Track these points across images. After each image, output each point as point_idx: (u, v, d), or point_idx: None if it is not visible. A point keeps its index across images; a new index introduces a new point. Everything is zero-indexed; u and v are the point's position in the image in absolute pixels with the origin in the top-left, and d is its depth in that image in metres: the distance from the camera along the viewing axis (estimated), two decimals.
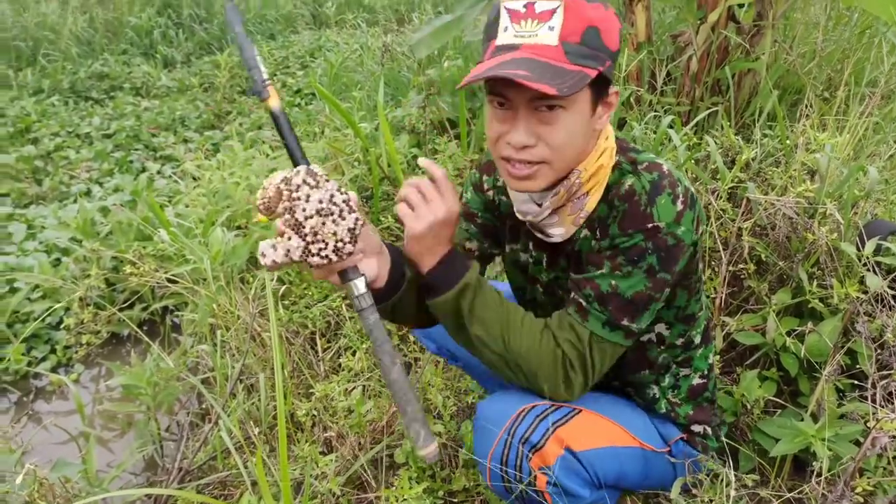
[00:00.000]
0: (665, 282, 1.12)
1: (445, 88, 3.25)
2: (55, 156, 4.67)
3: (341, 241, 1.00)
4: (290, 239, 0.99)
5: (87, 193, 4.08)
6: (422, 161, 1.12)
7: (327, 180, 1.00)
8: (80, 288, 2.73)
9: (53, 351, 2.82)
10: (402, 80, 4.13)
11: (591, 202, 1.15)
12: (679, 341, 1.28)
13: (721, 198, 1.92)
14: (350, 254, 1.02)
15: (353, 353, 2.13)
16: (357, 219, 1.01)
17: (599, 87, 1.06)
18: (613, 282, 1.11)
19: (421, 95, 3.22)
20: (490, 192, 1.38)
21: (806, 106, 2.40)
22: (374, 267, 1.10)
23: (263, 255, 0.99)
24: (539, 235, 1.24)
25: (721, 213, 1.92)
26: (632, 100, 2.73)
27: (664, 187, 1.08)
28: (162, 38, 7.53)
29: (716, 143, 2.22)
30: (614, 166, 1.15)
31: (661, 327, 1.26)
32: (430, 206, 1.09)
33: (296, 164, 1.03)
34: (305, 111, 5.14)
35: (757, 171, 2.13)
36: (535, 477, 1.15)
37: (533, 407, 1.18)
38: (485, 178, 1.39)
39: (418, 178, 1.11)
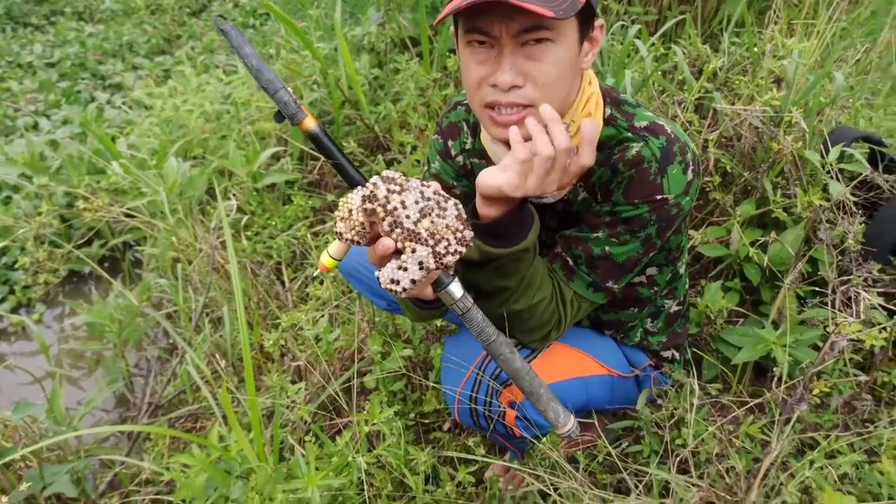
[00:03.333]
0: (655, 247, 1.09)
1: (406, 4, 3.09)
2: None
3: (458, 230, 0.93)
4: (413, 251, 0.91)
5: (35, 127, 3.89)
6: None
7: (406, 179, 0.92)
8: (33, 226, 2.64)
9: (12, 292, 2.75)
10: None
11: None
12: (668, 277, 1.26)
13: (687, 109, 1.88)
14: (471, 238, 0.94)
15: (321, 283, 2.10)
16: (455, 203, 0.94)
17: (587, 19, 0.97)
18: (608, 248, 1.06)
19: (380, 12, 3.07)
20: (459, 158, 1.27)
21: (774, 11, 2.33)
22: None
23: (396, 282, 0.91)
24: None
25: (688, 124, 1.89)
26: (598, 10, 2.64)
27: (675, 154, 1.02)
28: None
29: (683, 52, 2.16)
30: (607, 120, 1.07)
31: (652, 270, 1.23)
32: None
33: (353, 186, 0.94)
34: (260, 32, 4.91)
35: (724, 81, 2.08)
36: (504, 412, 1.16)
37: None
38: (450, 142, 1.27)
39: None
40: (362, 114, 2.66)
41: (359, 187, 0.92)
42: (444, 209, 0.93)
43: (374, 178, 0.92)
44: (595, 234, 1.07)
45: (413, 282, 0.91)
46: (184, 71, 3.57)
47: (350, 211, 0.91)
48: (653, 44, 2.14)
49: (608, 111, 1.08)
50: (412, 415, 1.59)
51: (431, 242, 0.91)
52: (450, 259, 0.92)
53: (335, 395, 1.56)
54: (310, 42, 2.61)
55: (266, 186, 2.60)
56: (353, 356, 1.68)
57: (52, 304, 2.76)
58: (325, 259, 0.99)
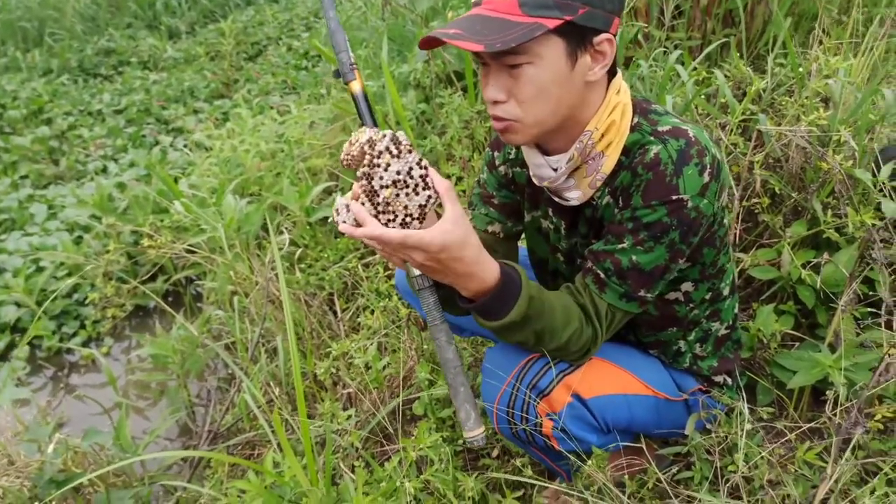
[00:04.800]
0: (682, 253, 1.10)
1: None
2: (69, 135, 4.71)
3: (410, 215, 1.00)
4: (363, 204, 0.99)
5: (104, 170, 4.14)
6: None
7: (410, 151, 0.99)
8: (102, 263, 2.79)
9: (83, 326, 2.90)
10: (406, 35, 4.06)
11: (608, 163, 1.11)
12: (708, 296, 1.25)
13: (732, 132, 1.88)
14: (418, 228, 1.01)
15: (371, 312, 2.15)
16: (430, 196, 1.01)
17: (578, 36, 1.01)
18: (635, 257, 1.08)
19: (429, 49, 3.16)
20: (502, 168, 1.34)
21: (820, 31, 2.31)
22: None
23: (337, 212, 1.00)
24: (557, 200, 1.21)
25: (732, 147, 1.88)
26: (640, 37, 2.66)
27: (691, 157, 1.03)
28: (165, 9, 7.49)
29: (726, 76, 2.16)
30: (633, 127, 1.11)
31: (687, 286, 1.22)
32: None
33: None
34: (312, 73, 5.11)
35: (769, 103, 2.07)
36: (542, 422, 1.17)
37: (542, 355, 1.18)
38: (495, 154, 1.35)
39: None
40: None
41: (375, 129, 1.00)
42: (416, 194, 0.99)
43: (388, 132, 0.98)
44: (621, 245, 1.09)
45: (345, 227, 0.98)
46: (240, 113, 3.74)
47: (356, 141, 0.99)
48: (695, 68, 2.15)
49: (635, 119, 1.12)
50: (460, 441, 1.60)
51: (381, 208, 0.99)
52: None
53: (384, 421, 1.59)
54: None
55: (318, 220, 2.69)
56: (401, 383, 1.71)
57: (119, 338, 2.90)
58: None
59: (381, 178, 0.98)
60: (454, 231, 0.97)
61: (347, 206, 0.99)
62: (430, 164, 2.81)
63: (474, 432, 1.08)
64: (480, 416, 1.09)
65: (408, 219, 1.00)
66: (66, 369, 2.76)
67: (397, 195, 0.99)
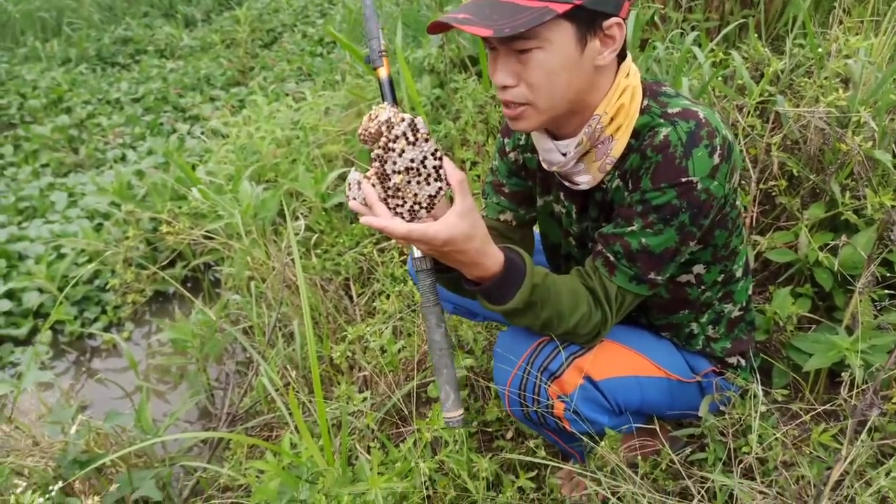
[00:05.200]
0: (692, 235, 1.09)
1: None
2: (88, 123, 4.77)
3: (418, 204, 1.00)
4: (373, 185, 0.99)
5: (122, 158, 4.18)
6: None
7: (427, 139, 0.98)
8: (121, 250, 2.83)
9: (104, 312, 2.94)
10: (421, 20, 4.04)
11: (618, 147, 1.11)
12: (720, 278, 1.25)
13: (749, 114, 1.85)
14: (421, 219, 1.02)
15: (387, 297, 2.17)
16: (440, 188, 1.01)
17: (588, 20, 1.00)
18: (644, 240, 1.08)
19: (440, 34, 3.15)
20: (512, 154, 1.34)
21: (840, 10, 2.27)
22: None
23: (349, 187, 1.00)
24: (568, 184, 1.21)
25: (749, 129, 1.86)
26: (656, 19, 2.63)
27: (701, 138, 1.03)
28: None
29: (744, 57, 2.13)
30: (643, 110, 1.10)
31: (699, 268, 1.22)
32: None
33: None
34: (328, 60, 5.11)
35: (788, 84, 2.04)
36: (553, 404, 1.18)
37: (552, 339, 1.19)
38: (506, 140, 1.35)
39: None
40: None
41: (395, 110, 0.99)
42: (427, 184, 0.99)
43: (407, 116, 0.97)
44: (630, 228, 1.09)
45: (355, 203, 0.99)
46: (256, 100, 3.76)
47: (376, 117, 0.98)
48: (712, 50, 2.12)
49: (645, 101, 1.11)
50: (475, 423, 1.62)
51: (390, 193, 0.98)
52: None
53: (399, 403, 1.61)
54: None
55: (334, 206, 2.71)
56: (416, 366, 1.73)
57: (139, 323, 2.94)
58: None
59: (395, 162, 0.98)
60: (459, 224, 0.97)
61: (360, 182, 0.99)
62: (445, 150, 2.82)
63: (452, 413, 1.09)
64: (460, 399, 1.10)
65: (416, 207, 1.00)
66: (87, 354, 2.81)
67: (408, 182, 0.99)
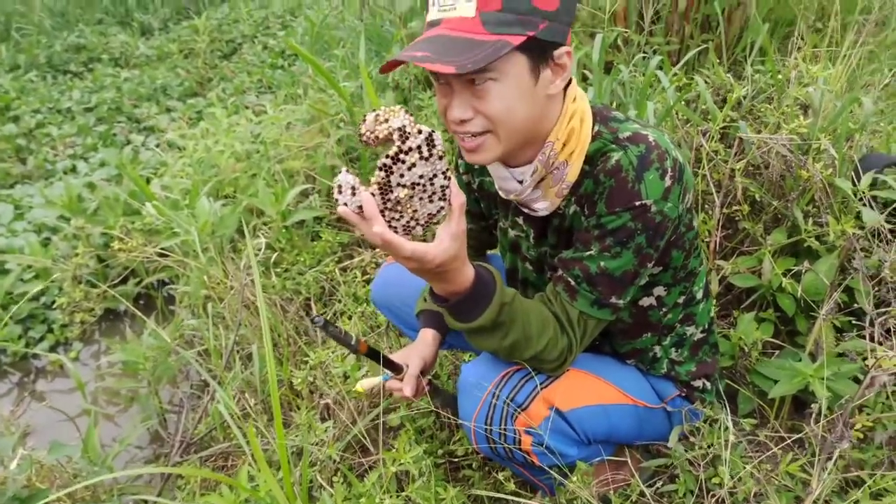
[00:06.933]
0: (650, 257, 1.10)
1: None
2: (37, 133, 4.59)
3: (415, 220, 0.96)
4: (373, 195, 0.91)
5: (73, 170, 4.03)
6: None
7: (441, 157, 0.92)
8: (70, 266, 2.71)
9: (51, 330, 2.81)
10: (384, 35, 4.02)
11: (573, 172, 1.11)
12: (681, 300, 1.26)
13: (713, 139, 1.87)
14: (415, 236, 0.98)
15: (349, 318, 2.11)
16: (442, 208, 0.96)
17: (539, 51, 1.00)
18: (602, 263, 1.08)
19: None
20: (465, 177, 1.36)
21: (798, 38, 2.32)
22: None
23: (339, 189, 0.91)
24: (526, 210, 1.21)
25: (713, 154, 1.87)
26: (619, 42, 2.65)
27: (652, 161, 1.04)
28: (137, 5, 7.35)
29: (706, 82, 2.16)
30: (594, 136, 1.11)
31: (659, 290, 1.22)
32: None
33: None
34: (289, 73, 5.04)
35: (749, 110, 2.07)
36: (521, 438, 1.15)
37: (518, 369, 1.16)
38: (460, 161, 1.36)
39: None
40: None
41: (411, 118, 0.91)
42: (431, 202, 0.95)
43: (426, 130, 0.90)
44: (589, 252, 1.09)
45: (345, 209, 0.91)
46: (215, 112, 3.67)
47: (386, 121, 0.91)
48: (675, 74, 2.14)
49: (596, 127, 1.12)
50: (440, 452, 1.57)
51: (389, 205, 0.93)
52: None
53: (361, 434, 1.56)
54: (335, 81, 2.67)
55: (295, 223, 2.64)
56: (380, 393, 1.67)
57: (88, 343, 2.81)
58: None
59: (403, 175, 0.91)
60: (452, 247, 0.97)
61: (354, 188, 0.91)
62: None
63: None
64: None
65: (412, 223, 0.96)
66: (32, 375, 2.68)
67: (411, 198, 0.93)
